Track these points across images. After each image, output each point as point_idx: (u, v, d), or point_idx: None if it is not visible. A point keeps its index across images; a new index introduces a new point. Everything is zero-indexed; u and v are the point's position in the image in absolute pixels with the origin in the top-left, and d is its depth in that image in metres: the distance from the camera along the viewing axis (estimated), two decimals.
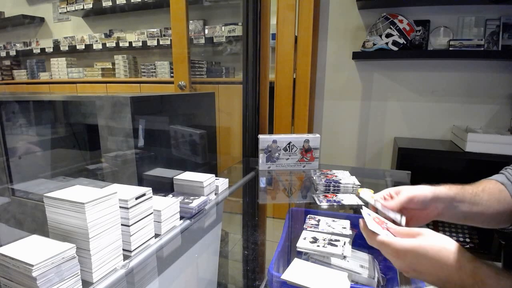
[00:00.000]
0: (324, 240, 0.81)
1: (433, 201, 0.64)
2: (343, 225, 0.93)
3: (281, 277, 0.66)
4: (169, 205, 0.85)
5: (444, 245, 0.50)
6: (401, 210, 0.63)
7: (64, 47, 3.21)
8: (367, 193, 0.70)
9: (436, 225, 1.96)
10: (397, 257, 0.52)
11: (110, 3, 2.84)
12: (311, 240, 0.81)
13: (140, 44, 2.84)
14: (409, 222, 0.64)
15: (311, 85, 2.15)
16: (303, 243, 0.80)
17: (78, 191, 0.63)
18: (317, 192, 1.24)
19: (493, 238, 1.79)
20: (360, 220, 0.60)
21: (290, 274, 0.68)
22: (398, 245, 0.52)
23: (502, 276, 0.45)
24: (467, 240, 1.89)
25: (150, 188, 0.76)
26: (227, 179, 1.21)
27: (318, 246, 0.79)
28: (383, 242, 0.54)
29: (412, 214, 0.65)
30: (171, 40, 2.49)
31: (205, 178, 1.06)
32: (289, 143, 1.48)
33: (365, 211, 0.63)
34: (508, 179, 0.67)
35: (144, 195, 0.74)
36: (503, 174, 0.70)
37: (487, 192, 0.66)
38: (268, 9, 1.91)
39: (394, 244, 0.52)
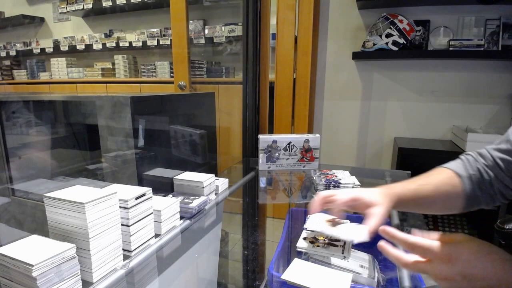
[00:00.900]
0: (324, 240, 0.81)
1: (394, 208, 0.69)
2: None
3: (281, 277, 0.66)
4: (169, 205, 0.85)
5: (492, 248, 0.47)
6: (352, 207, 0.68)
7: (64, 47, 3.21)
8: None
9: (436, 223, 1.97)
10: (448, 261, 0.47)
11: (110, 3, 2.84)
12: (311, 240, 0.81)
13: (140, 44, 2.84)
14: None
15: (311, 85, 2.15)
16: (303, 243, 0.80)
17: (78, 191, 0.63)
18: (317, 192, 1.24)
19: (493, 237, 1.79)
20: (382, 244, 0.54)
21: (290, 274, 0.68)
22: (452, 248, 0.47)
23: None
24: None
25: (150, 188, 0.76)
26: (227, 179, 1.21)
27: (318, 246, 0.79)
28: (430, 246, 0.48)
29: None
30: (171, 40, 2.49)
31: (205, 178, 1.06)
32: (289, 143, 1.48)
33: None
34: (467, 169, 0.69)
35: (144, 195, 0.74)
36: (460, 160, 0.73)
37: (439, 188, 0.69)
38: (268, 9, 1.91)
39: (446, 247, 0.47)
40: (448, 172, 0.71)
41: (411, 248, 0.51)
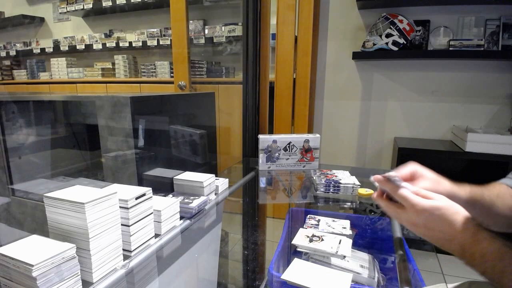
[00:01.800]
0: (320, 237, 0.81)
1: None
2: (343, 225, 0.93)
3: (281, 277, 0.66)
4: (169, 205, 0.85)
5: (458, 211, 0.56)
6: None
7: (64, 47, 3.21)
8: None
9: None
10: (415, 212, 0.58)
11: (110, 3, 2.84)
12: (307, 237, 0.82)
13: (140, 44, 2.84)
14: None
15: (311, 85, 2.15)
16: (298, 240, 0.80)
17: (78, 191, 0.63)
18: (317, 192, 1.24)
19: None
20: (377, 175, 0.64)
21: (290, 274, 0.68)
22: (420, 202, 0.57)
23: (497, 240, 0.51)
24: None
25: (150, 188, 0.76)
26: (227, 179, 1.21)
27: (311, 242, 0.79)
28: (406, 196, 0.59)
29: None
30: (171, 40, 2.49)
31: (205, 178, 1.06)
32: (289, 143, 1.48)
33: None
34: None
35: (144, 195, 0.74)
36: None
37: (501, 198, 0.66)
38: (268, 9, 1.91)
39: (415, 200, 0.58)
40: (504, 186, 0.69)
41: (396, 195, 0.61)
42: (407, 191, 0.60)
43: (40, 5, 3.48)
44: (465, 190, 0.66)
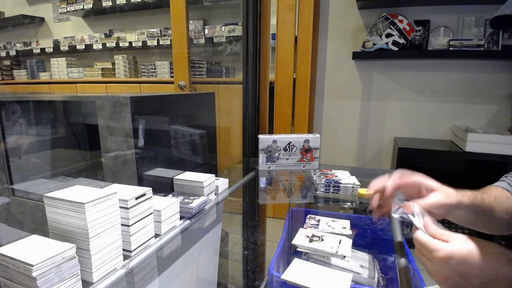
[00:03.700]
0: (320, 237, 0.81)
1: (454, 208, 0.62)
2: (343, 225, 0.93)
3: (281, 277, 0.66)
4: (169, 205, 0.85)
5: (487, 244, 0.48)
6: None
7: (64, 47, 3.21)
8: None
9: None
10: (443, 262, 0.48)
11: (110, 3, 2.84)
12: (306, 237, 0.82)
13: (140, 44, 2.84)
14: None
15: (311, 85, 2.15)
16: (298, 240, 0.80)
17: (78, 191, 0.63)
18: (317, 192, 1.24)
19: (493, 238, 1.79)
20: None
21: (290, 274, 0.68)
22: (446, 248, 0.48)
23: None
24: None
25: (150, 188, 0.76)
26: (227, 179, 1.21)
27: (311, 242, 0.79)
28: (424, 242, 0.50)
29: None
30: (171, 40, 2.49)
31: (205, 178, 1.05)
32: (289, 143, 1.48)
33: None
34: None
35: (144, 195, 0.74)
36: (505, 182, 0.69)
37: (498, 200, 0.65)
38: (268, 9, 1.91)
39: (440, 247, 0.49)
40: (499, 189, 0.68)
41: (415, 241, 0.53)
42: (424, 234, 0.52)
43: (40, 5, 3.48)
44: (467, 196, 0.64)
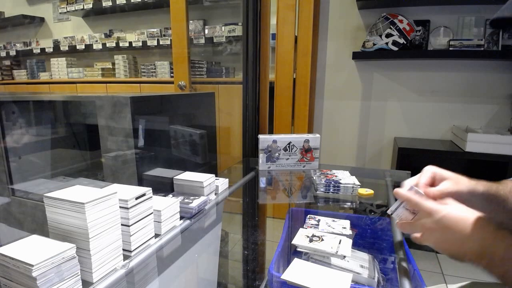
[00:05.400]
0: (320, 237, 0.81)
1: (467, 195, 0.64)
2: (343, 225, 0.93)
3: (281, 277, 0.66)
4: (169, 205, 0.85)
5: (473, 211, 0.56)
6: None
7: (64, 47, 3.21)
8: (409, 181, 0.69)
9: None
10: (430, 214, 0.57)
11: (110, 3, 2.84)
12: (306, 237, 0.82)
13: (140, 44, 2.84)
14: None
15: (311, 85, 2.15)
16: (298, 240, 0.80)
17: (78, 191, 0.63)
18: (317, 192, 1.24)
19: None
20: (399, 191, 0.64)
21: (290, 274, 0.68)
22: (433, 205, 0.58)
23: None
24: None
25: (150, 188, 0.76)
26: (227, 179, 1.21)
27: (311, 242, 0.79)
28: (418, 202, 0.60)
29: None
30: (171, 40, 2.49)
31: (205, 178, 1.06)
32: (289, 143, 1.48)
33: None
34: None
35: (144, 195, 0.74)
36: None
37: None
38: (268, 9, 1.91)
39: (427, 202, 0.59)
40: None
41: (410, 203, 0.62)
42: (418, 197, 0.60)
43: (40, 5, 3.48)
44: (482, 185, 0.65)
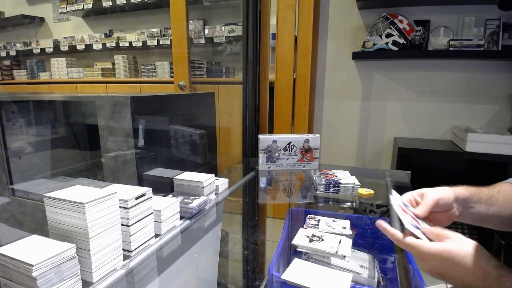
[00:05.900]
0: (320, 237, 0.81)
1: (454, 202, 0.64)
2: (343, 225, 0.93)
3: (281, 277, 0.66)
4: (169, 205, 0.85)
5: (471, 251, 0.50)
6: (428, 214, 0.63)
7: (64, 47, 3.21)
8: (396, 198, 0.66)
9: None
10: (423, 260, 0.54)
11: (110, 3, 2.84)
12: (307, 237, 0.82)
13: (140, 44, 2.84)
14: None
15: (311, 85, 2.15)
16: (298, 240, 0.80)
17: (78, 191, 0.63)
18: (317, 192, 1.24)
19: (493, 237, 1.79)
20: (381, 222, 0.59)
21: (290, 274, 0.68)
22: (424, 248, 0.52)
23: None
24: None
25: (150, 188, 0.76)
26: (227, 179, 1.21)
27: (311, 242, 0.79)
28: (410, 244, 0.54)
29: (434, 217, 0.65)
30: (171, 40, 2.49)
31: (205, 178, 1.06)
32: (289, 143, 1.48)
33: (395, 200, 0.62)
34: None
35: (144, 195, 0.74)
36: None
37: (502, 193, 0.66)
38: (268, 9, 1.91)
39: (420, 247, 0.53)
40: (508, 184, 0.68)
41: (397, 243, 0.57)
42: (411, 238, 0.55)
43: (40, 5, 3.48)
44: (466, 189, 0.65)
